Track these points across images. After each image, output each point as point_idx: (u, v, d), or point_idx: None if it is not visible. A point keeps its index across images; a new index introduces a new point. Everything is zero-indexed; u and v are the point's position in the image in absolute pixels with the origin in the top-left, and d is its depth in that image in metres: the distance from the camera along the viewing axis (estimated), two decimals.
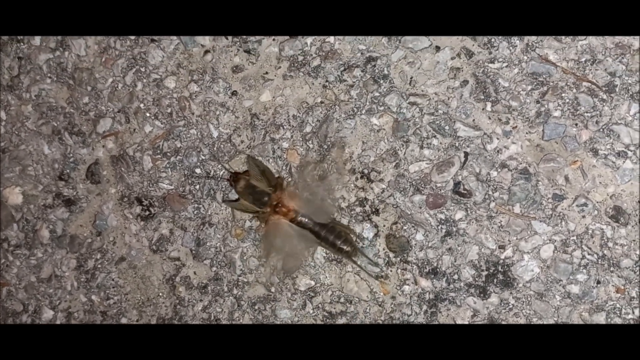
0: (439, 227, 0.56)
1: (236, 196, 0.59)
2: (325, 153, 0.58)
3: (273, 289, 0.61)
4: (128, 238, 0.66)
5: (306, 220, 0.54)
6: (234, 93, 0.61)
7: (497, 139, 0.54)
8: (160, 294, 0.65)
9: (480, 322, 0.55)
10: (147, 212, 0.65)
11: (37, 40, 0.68)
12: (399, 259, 0.57)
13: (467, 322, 0.56)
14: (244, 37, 0.61)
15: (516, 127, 0.53)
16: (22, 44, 0.68)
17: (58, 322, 0.69)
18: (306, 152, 0.57)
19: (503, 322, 0.54)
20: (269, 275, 0.59)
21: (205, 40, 0.62)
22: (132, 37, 0.64)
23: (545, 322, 0.54)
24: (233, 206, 0.59)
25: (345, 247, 0.54)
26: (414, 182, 0.56)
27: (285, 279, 0.59)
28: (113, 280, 0.67)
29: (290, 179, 0.58)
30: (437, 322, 0.56)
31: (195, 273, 0.64)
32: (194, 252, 0.63)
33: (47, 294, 0.69)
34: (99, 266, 0.67)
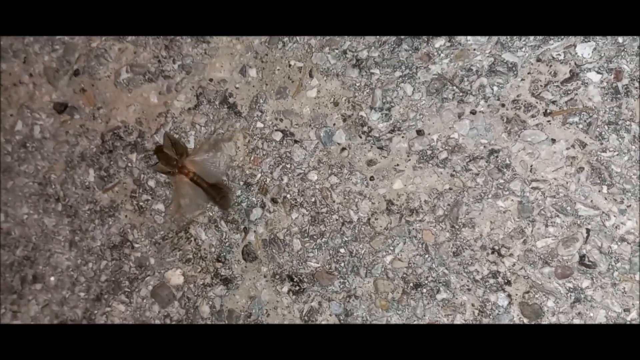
0: (568, 295, 0.64)
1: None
2: (456, 233, 0.68)
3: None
4: (280, 310, 0.76)
5: (199, 180, 0.75)
6: (372, 178, 0.72)
7: (614, 216, 0.62)
8: None
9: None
10: (297, 287, 0.75)
11: (191, 143, 0.80)
12: (533, 323, 0.65)
13: None
14: (377, 136, 0.72)
15: (630, 205, 0.62)
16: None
17: None
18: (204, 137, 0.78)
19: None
20: (175, 221, 0.81)
21: (342, 139, 0.73)
22: (277, 139, 0.76)
23: None
24: (154, 167, 0.80)
25: (221, 202, 0.75)
26: (542, 256, 0.65)
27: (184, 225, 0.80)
28: None
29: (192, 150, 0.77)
30: None
31: None
32: (342, 321, 0.73)
33: None
34: None
